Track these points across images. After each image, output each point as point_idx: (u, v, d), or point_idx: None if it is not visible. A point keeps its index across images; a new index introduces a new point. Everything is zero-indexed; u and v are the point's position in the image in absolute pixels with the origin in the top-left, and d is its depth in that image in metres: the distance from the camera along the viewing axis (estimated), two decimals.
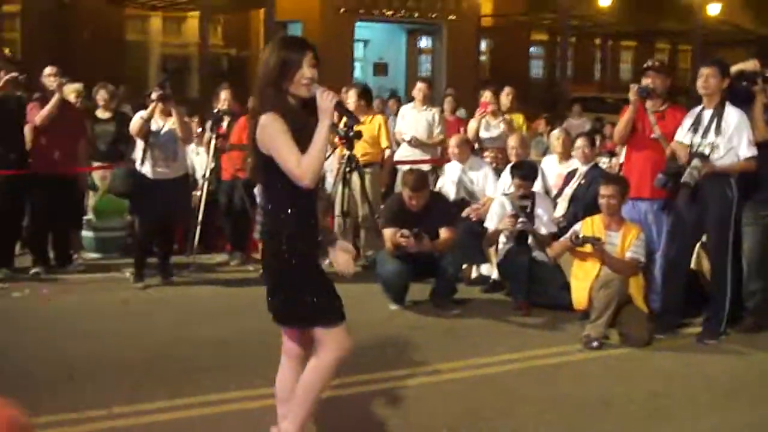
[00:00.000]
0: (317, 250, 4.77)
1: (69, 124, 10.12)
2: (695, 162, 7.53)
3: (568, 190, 9.54)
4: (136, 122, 9.53)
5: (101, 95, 11.33)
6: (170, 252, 10.05)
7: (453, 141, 10.62)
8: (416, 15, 30.89)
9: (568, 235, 8.25)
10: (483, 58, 34.93)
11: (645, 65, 8.56)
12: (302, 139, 4.48)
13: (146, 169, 9.49)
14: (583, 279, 8.01)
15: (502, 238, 9.19)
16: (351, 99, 10.74)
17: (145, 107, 9.68)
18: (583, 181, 9.52)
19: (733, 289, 7.92)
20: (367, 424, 5.82)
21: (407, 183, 8.73)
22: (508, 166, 9.83)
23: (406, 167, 10.54)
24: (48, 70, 10.27)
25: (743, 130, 7.62)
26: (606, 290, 7.72)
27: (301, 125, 4.52)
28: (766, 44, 32.54)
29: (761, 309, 8.21)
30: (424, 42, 33.73)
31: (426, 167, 11.38)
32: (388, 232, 8.74)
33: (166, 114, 9.54)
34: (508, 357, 7.40)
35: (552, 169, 10.21)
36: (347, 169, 10.34)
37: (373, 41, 32.34)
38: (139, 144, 9.56)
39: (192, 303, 9.06)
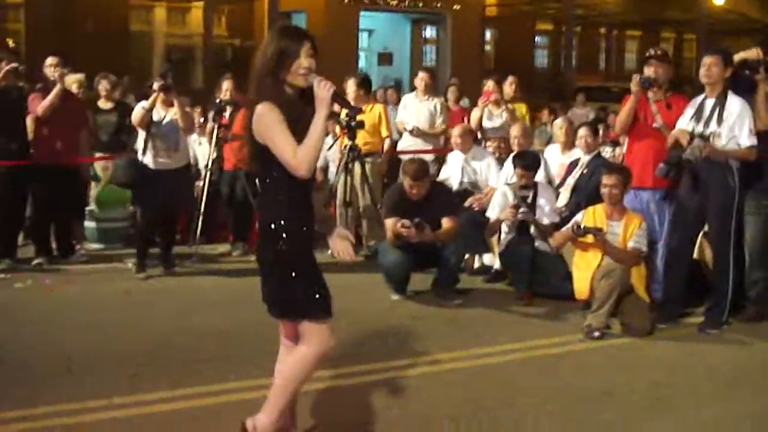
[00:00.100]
0: (311, 242, 4.74)
1: (71, 115, 10.11)
2: (697, 141, 7.52)
3: (571, 180, 9.52)
4: (137, 112, 9.52)
5: (103, 85, 11.32)
6: (172, 242, 10.05)
7: (456, 131, 10.59)
8: (420, 5, 30.89)
9: (569, 225, 8.23)
10: (487, 47, 34.93)
11: (647, 54, 8.53)
12: (299, 129, 4.45)
13: (148, 160, 9.48)
14: (584, 269, 7.99)
15: (504, 228, 9.18)
16: (350, 88, 10.73)
17: (147, 97, 9.67)
18: (585, 171, 9.49)
19: (736, 279, 7.89)
20: (368, 414, 5.80)
21: (408, 172, 8.71)
22: (511, 156, 9.81)
23: (408, 157, 10.50)
24: (50, 60, 10.27)
25: (745, 118, 7.60)
26: (608, 280, 7.70)
27: (298, 115, 4.50)
28: None
29: (763, 298, 8.18)
30: (429, 32, 33.69)
31: (428, 157, 11.37)
32: (389, 222, 8.72)
33: (168, 104, 9.53)
34: (509, 347, 7.39)
35: (555, 158, 10.19)
36: (349, 159, 10.32)
37: (378, 31, 32.31)
38: (141, 134, 9.55)
39: (194, 293, 9.06)
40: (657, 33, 40.44)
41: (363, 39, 31.51)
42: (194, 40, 28.58)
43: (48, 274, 9.61)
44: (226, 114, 10.53)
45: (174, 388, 6.16)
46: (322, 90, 4.47)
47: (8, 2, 24.41)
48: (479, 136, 11.43)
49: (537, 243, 8.92)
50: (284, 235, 4.59)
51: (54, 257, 10.22)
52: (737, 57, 8.12)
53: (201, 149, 11.25)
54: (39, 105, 9.81)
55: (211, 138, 10.58)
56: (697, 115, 7.74)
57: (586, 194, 9.11)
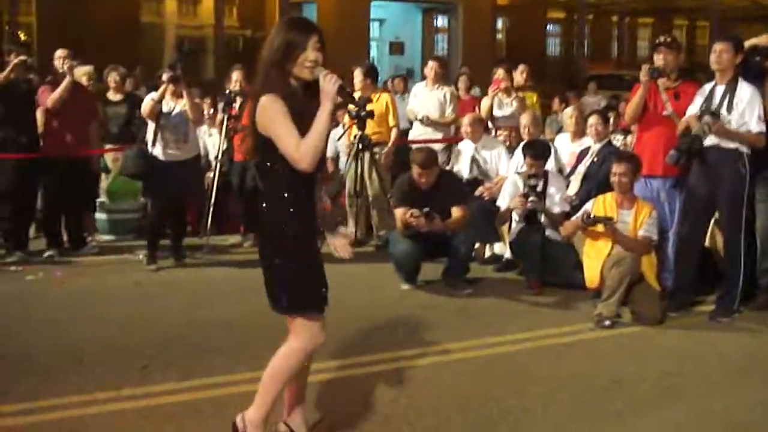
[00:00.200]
0: (312, 237, 4.71)
1: (80, 107, 10.12)
2: (706, 117, 7.49)
3: (581, 168, 9.47)
4: (147, 104, 9.52)
5: (112, 77, 11.32)
6: (183, 234, 10.07)
7: (466, 120, 10.56)
8: None
9: (579, 214, 8.21)
10: (499, 36, 34.77)
11: (656, 41, 8.49)
12: (303, 122, 4.42)
13: (157, 151, 9.49)
14: (595, 258, 7.96)
15: (515, 217, 9.16)
16: (357, 78, 10.73)
17: (157, 89, 9.67)
18: (596, 159, 9.44)
19: (747, 267, 7.86)
20: (377, 405, 5.79)
21: (416, 160, 8.69)
22: (521, 145, 9.78)
23: (417, 146, 10.48)
24: (59, 52, 10.28)
25: (755, 105, 7.57)
26: (618, 268, 7.68)
27: (303, 108, 4.47)
28: None
29: None
30: (440, 21, 33.56)
31: (438, 146, 11.35)
32: (399, 212, 8.71)
33: (177, 95, 9.52)
34: (519, 336, 7.38)
35: (565, 147, 10.15)
36: (359, 148, 10.31)
37: (389, 20, 32.21)
38: (151, 126, 9.55)
39: (204, 285, 9.06)
40: (669, 20, 40.23)
41: (374, 28, 31.39)
42: (205, 31, 28.52)
43: (59, 266, 9.64)
44: (236, 105, 10.51)
45: (183, 380, 6.18)
46: (328, 84, 4.43)
47: None
48: (490, 124, 11.40)
49: (547, 232, 8.91)
50: (284, 229, 4.58)
51: (65, 249, 10.25)
52: (748, 43, 8.10)
53: (211, 140, 11.25)
54: (48, 97, 9.83)
55: (221, 129, 10.58)
56: (708, 102, 7.71)
57: (596, 182, 9.07)
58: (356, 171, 10.56)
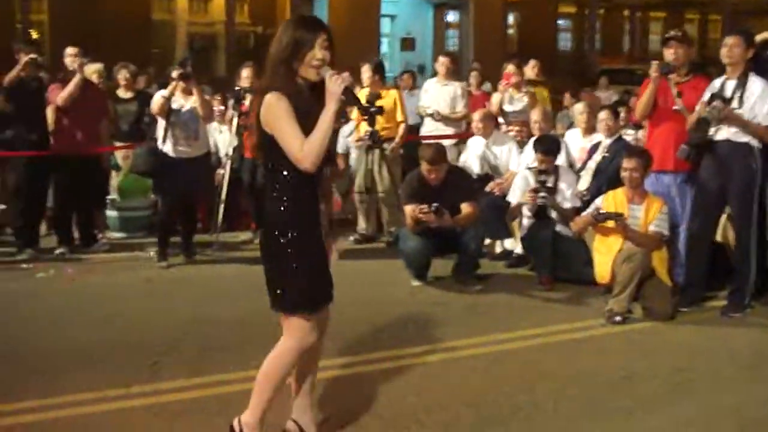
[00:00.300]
0: (312, 236, 4.68)
1: (91, 105, 10.12)
2: (716, 103, 7.45)
3: (592, 164, 9.44)
4: (157, 101, 9.51)
5: (122, 75, 11.32)
6: (193, 231, 10.07)
7: (476, 116, 10.54)
8: None
9: (590, 210, 8.18)
10: (510, 31, 34.75)
11: (667, 35, 8.46)
12: (308, 122, 4.40)
13: (167, 148, 9.48)
14: (605, 253, 7.93)
15: (526, 213, 9.13)
16: (366, 74, 10.72)
17: (167, 86, 9.67)
18: (607, 154, 9.40)
19: (758, 262, 7.83)
20: (386, 401, 5.78)
21: (425, 156, 8.66)
22: (532, 140, 9.76)
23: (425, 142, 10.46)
24: (69, 50, 10.30)
25: (766, 99, 7.54)
26: (629, 264, 7.65)
27: (308, 107, 4.45)
28: None
29: None
30: (451, 16, 33.57)
31: (450, 142, 11.33)
32: (408, 208, 8.69)
33: (187, 92, 9.51)
34: (530, 332, 7.36)
35: (576, 142, 10.11)
36: (370, 145, 10.30)
37: (400, 16, 32.23)
38: (161, 123, 9.55)
39: (215, 282, 9.06)
40: (681, 14, 40.11)
41: (385, 24, 31.41)
42: (217, 28, 28.56)
43: (70, 264, 9.65)
44: (246, 101, 10.50)
45: (193, 377, 6.18)
46: (334, 84, 4.40)
47: None
48: (500, 120, 11.38)
49: (559, 227, 8.88)
50: (284, 228, 4.57)
51: (76, 246, 10.26)
52: (759, 37, 8.07)
53: (222, 137, 11.24)
54: (59, 95, 9.84)
55: (232, 126, 10.58)
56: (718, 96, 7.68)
57: (606, 178, 9.03)
58: (366, 167, 10.55)
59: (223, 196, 10.40)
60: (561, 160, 9.42)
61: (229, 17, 27.09)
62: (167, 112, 9.43)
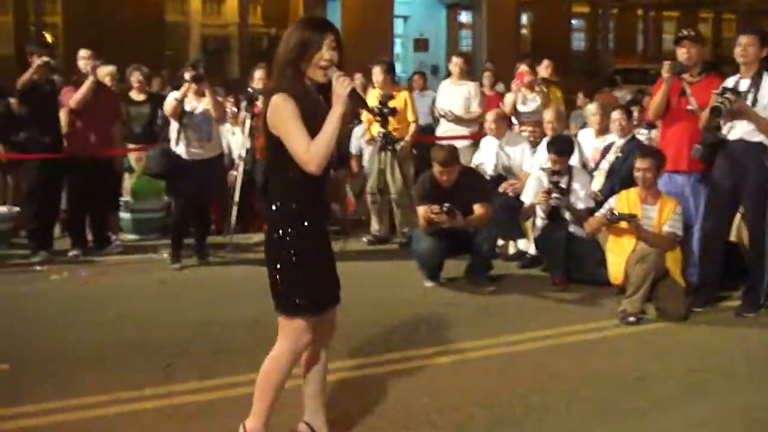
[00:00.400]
0: (317, 239, 4.67)
1: (104, 107, 10.16)
2: (729, 94, 7.41)
3: (605, 164, 9.41)
4: (170, 103, 9.52)
5: (135, 77, 11.35)
6: (206, 232, 10.09)
7: (489, 116, 10.51)
8: None
9: (603, 210, 8.15)
10: (524, 31, 34.68)
11: (679, 34, 8.42)
12: (314, 124, 4.38)
13: (180, 150, 9.49)
14: (619, 254, 7.91)
15: (539, 213, 9.11)
16: (378, 76, 10.73)
17: (180, 88, 9.69)
18: (620, 154, 9.37)
19: None
20: (398, 403, 5.77)
21: (437, 158, 8.65)
22: (545, 140, 9.74)
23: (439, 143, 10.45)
24: (82, 52, 10.34)
25: None
26: (642, 264, 7.63)
27: (315, 109, 4.44)
28: None
29: None
30: (464, 17, 33.51)
31: (466, 143, 11.32)
32: (421, 209, 8.68)
33: (200, 94, 9.52)
34: (542, 333, 7.34)
35: (589, 142, 10.07)
36: (382, 145, 10.30)
37: (413, 17, 32.17)
38: (174, 125, 9.56)
39: (228, 283, 9.07)
40: (695, 13, 40.02)
41: (398, 25, 31.37)
42: (230, 30, 28.55)
43: (84, 266, 9.68)
44: (259, 103, 10.50)
45: (205, 379, 6.20)
46: (341, 86, 4.37)
47: None
48: (513, 120, 11.35)
49: (572, 228, 8.86)
50: (286, 230, 4.56)
51: (89, 249, 10.29)
52: None
53: (235, 139, 11.25)
54: (72, 98, 9.87)
55: (244, 127, 10.59)
56: None
57: (620, 178, 9.01)
58: (379, 168, 10.55)
59: (236, 197, 10.40)
60: (574, 160, 9.39)
61: (242, 19, 27.09)
62: (180, 114, 9.43)
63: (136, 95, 11.34)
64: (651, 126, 10.42)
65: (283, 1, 29.21)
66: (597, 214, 8.33)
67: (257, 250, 10.45)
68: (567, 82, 15.10)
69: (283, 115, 4.39)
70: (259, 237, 10.88)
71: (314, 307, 4.67)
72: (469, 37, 32.96)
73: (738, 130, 7.61)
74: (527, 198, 9.25)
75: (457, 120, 11.73)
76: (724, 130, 7.68)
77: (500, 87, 15.88)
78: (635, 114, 10.76)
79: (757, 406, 5.85)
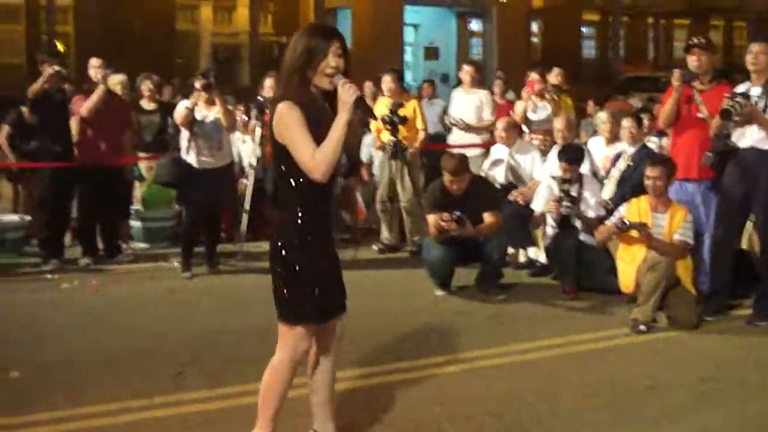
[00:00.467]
0: (321, 248, 4.66)
1: (114, 116, 10.17)
2: (740, 98, 7.40)
3: (615, 172, 9.39)
4: (180, 111, 9.52)
5: (146, 86, 11.38)
6: (217, 241, 10.09)
7: (500, 124, 10.50)
8: None
9: (613, 219, 8.14)
10: (534, 39, 34.72)
11: (689, 42, 8.41)
12: (320, 131, 4.38)
13: (191, 159, 9.49)
14: (629, 262, 7.90)
15: (549, 222, 9.10)
16: (388, 84, 10.75)
17: (189, 96, 9.70)
18: (631, 163, 9.35)
19: None
20: (409, 411, 5.76)
21: (447, 167, 8.65)
22: (555, 148, 9.73)
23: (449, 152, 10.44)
24: (93, 61, 10.38)
25: None
26: (653, 273, 7.61)
27: (320, 117, 4.45)
28: None
29: None
30: (475, 25, 33.56)
31: (478, 151, 11.32)
32: (431, 218, 8.68)
33: (210, 103, 9.53)
34: (553, 342, 7.33)
35: (599, 150, 10.06)
36: (392, 154, 10.30)
37: (424, 25, 32.24)
38: (184, 133, 9.57)
39: (238, 292, 9.06)
40: (706, 21, 39.97)
41: (409, 34, 31.44)
42: (240, 39, 28.66)
43: (94, 274, 9.68)
44: (269, 111, 10.50)
45: (216, 387, 6.19)
46: (346, 93, 4.37)
47: (57, 5, 24.59)
48: (524, 128, 11.34)
49: (582, 236, 8.84)
50: (291, 236, 4.57)
51: (100, 257, 10.30)
52: None
53: (245, 147, 11.26)
54: (82, 106, 9.89)
55: (255, 135, 10.59)
56: None
57: (631, 186, 8.98)
58: (389, 176, 10.55)
59: (247, 206, 10.40)
60: (585, 168, 9.38)
61: (252, 28, 27.20)
62: (191, 122, 9.44)
63: (146, 104, 11.37)
64: (661, 134, 10.41)
65: (294, 9, 29.30)
66: (607, 222, 8.32)
67: (267, 258, 10.44)
68: (577, 90, 15.09)
69: (288, 122, 4.40)
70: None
71: (318, 315, 4.67)
72: (480, 46, 33.01)
73: (749, 138, 7.60)
74: (537, 206, 9.24)
75: (469, 128, 11.72)
76: (734, 138, 7.66)
77: (511, 95, 15.87)
78: (646, 122, 10.73)
79: None
